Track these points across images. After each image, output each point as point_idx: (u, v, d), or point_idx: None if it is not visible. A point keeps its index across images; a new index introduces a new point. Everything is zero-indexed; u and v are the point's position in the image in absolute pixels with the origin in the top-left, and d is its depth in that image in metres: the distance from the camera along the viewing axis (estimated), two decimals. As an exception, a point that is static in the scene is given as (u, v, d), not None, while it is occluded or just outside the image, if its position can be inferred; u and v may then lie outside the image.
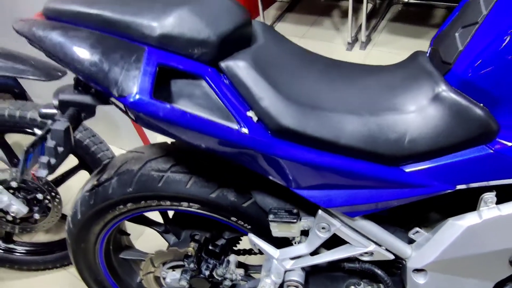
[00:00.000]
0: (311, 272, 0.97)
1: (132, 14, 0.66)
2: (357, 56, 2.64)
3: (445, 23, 0.79)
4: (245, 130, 0.68)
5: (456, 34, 0.71)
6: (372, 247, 0.83)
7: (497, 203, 0.76)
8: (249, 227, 0.96)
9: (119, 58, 0.64)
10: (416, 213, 0.86)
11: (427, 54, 0.78)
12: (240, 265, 1.10)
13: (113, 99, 0.68)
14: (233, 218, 0.96)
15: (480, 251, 0.78)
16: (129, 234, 1.26)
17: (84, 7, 0.68)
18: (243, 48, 0.74)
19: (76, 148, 1.47)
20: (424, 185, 0.73)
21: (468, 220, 0.77)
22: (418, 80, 0.74)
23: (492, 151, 0.70)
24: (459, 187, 0.73)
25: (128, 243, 1.30)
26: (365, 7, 2.50)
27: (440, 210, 0.85)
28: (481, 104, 0.68)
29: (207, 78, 0.67)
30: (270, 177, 0.77)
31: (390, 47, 2.66)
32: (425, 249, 0.82)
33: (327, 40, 2.83)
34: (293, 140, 0.71)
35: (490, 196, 0.75)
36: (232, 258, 1.05)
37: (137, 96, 0.62)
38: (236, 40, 0.72)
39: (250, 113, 0.69)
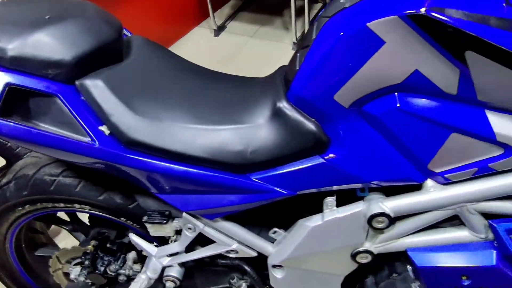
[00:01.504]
0: (195, 267, 1.05)
1: None
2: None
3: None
4: (95, 143, 0.75)
5: (298, 54, 0.80)
6: (235, 245, 0.92)
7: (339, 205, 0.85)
8: (138, 226, 1.04)
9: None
10: (276, 215, 0.94)
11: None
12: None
13: None
14: (123, 218, 1.03)
15: (325, 249, 0.87)
16: (43, 233, 1.33)
17: None
18: (111, 64, 0.81)
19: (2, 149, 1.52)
20: (268, 191, 0.81)
21: (313, 221, 0.86)
22: (267, 95, 0.82)
23: (324, 161, 0.78)
24: (300, 192, 0.82)
25: (45, 241, 1.36)
26: (306, 7, 2.57)
27: (297, 212, 0.93)
28: (313, 119, 0.77)
29: (60, 96, 0.74)
30: (134, 183, 0.84)
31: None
32: (280, 247, 0.90)
33: (276, 40, 2.91)
34: (144, 151, 0.78)
35: (330, 200, 0.84)
36: (131, 255, 1.13)
37: None
38: (98, 58, 0.79)
39: (102, 128, 0.77)
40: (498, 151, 0.68)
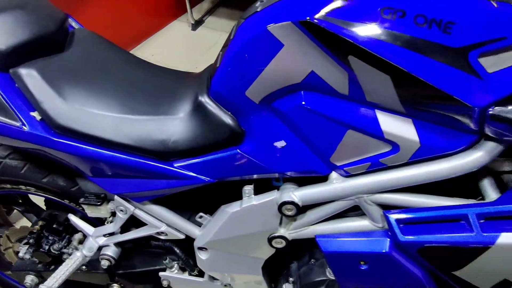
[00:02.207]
0: (132, 248, 1.12)
1: None
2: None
3: None
4: (25, 127, 0.82)
5: (220, 53, 0.86)
6: (164, 228, 0.99)
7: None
8: (81, 208, 1.10)
9: None
10: (205, 201, 1.01)
11: None
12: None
13: None
14: (66, 200, 1.10)
15: (244, 233, 0.94)
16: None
17: None
18: (50, 54, 0.88)
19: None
20: (190, 177, 0.88)
21: (233, 207, 0.93)
22: (193, 90, 0.89)
23: (239, 151, 0.85)
24: (219, 180, 0.89)
25: (1, 221, 1.42)
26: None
27: (224, 199, 1.00)
28: (230, 113, 0.84)
29: (-7, 83, 0.81)
30: (69, 167, 0.91)
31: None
32: (205, 230, 0.97)
33: (253, 36, 2.95)
34: (73, 137, 0.85)
35: (248, 189, 0.91)
36: (77, 236, 1.19)
37: None
38: (34, 48, 0.85)
39: (34, 114, 0.83)
40: (387, 148, 0.76)
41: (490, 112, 0.64)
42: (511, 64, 0.65)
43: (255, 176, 0.88)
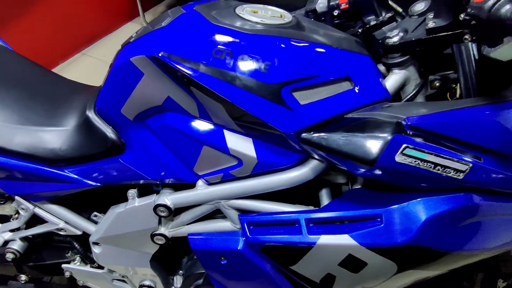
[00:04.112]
0: (39, 243, 1.24)
1: None
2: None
3: None
4: None
5: (107, 72, 0.99)
6: (62, 224, 1.12)
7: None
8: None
9: None
10: (101, 201, 1.14)
11: None
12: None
13: None
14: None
15: (129, 230, 1.07)
16: None
17: None
18: None
19: None
20: (78, 181, 1.01)
21: (119, 208, 1.06)
22: (84, 104, 1.02)
23: (121, 160, 0.98)
24: (104, 184, 1.02)
25: None
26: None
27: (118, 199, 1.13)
28: (111, 127, 0.97)
29: None
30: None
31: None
32: (98, 227, 1.11)
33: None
34: None
35: (132, 192, 1.04)
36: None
37: None
38: None
39: None
40: (234, 162, 0.90)
41: (301, 137, 0.79)
42: (321, 97, 0.80)
43: (133, 182, 1.01)
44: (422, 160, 0.72)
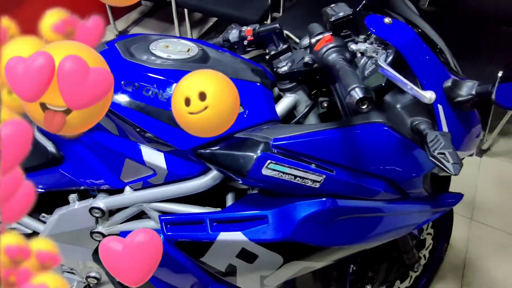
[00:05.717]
0: None
1: None
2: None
3: None
4: None
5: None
6: (14, 224, 1.29)
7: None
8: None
9: None
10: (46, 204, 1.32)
11: None
12: None
13: None
14: None
15: (71, 229, 1.25)
16: None
17: None
18: None
19: None
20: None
21: (62, 209, 1.24)
22: (30, 122, 1.19)
23: (60, 170, 1.16)
24: (48, 190, 1.20)
25: None
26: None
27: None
28: (51, 142, 1.15)
29: None
30: None
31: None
32: (45, 226, 1.28)
33: (174, 46, 3.24)
34: None
35: (72, 196, 1.22)
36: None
37: None
38: None
39: None
40: (150, 172, 1.08)
41: (197, 152, 0.98)
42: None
43: (73, 188, 1.19)
44: (283, 173, 0.90)
